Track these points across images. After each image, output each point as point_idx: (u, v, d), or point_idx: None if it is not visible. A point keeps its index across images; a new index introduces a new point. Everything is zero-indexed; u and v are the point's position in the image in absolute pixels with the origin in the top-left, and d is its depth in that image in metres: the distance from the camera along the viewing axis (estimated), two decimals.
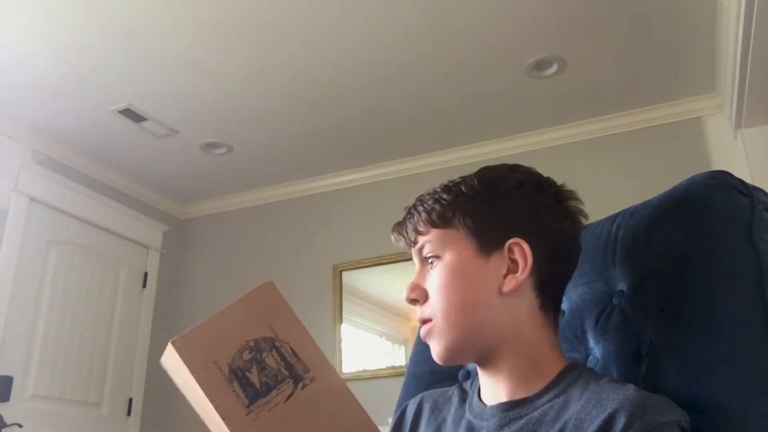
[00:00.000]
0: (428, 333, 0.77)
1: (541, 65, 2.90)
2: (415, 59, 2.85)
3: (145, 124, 3.26)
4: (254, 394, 0.64)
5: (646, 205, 0.84)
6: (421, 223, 0.79)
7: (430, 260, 0.78)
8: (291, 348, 0.68)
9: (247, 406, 0.64)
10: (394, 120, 3.33)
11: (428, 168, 3.64)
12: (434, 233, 0.77)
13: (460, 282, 0.75)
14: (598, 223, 0.90)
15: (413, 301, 0.79)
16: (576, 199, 0.79)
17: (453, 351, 0.76)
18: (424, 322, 0.77)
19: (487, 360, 0.76)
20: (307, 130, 3.39)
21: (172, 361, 0.67)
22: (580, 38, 2.73)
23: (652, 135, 3.29)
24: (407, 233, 0.80)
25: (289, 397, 0.66)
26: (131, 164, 3.69)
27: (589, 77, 3.01)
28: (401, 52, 2.79)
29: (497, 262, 0.75)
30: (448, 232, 0.77)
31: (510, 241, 0.75)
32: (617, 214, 0.89)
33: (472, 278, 0.75)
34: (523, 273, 0.74)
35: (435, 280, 0.76)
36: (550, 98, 3.17)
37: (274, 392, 0.65)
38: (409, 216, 0.81)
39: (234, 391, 0.64)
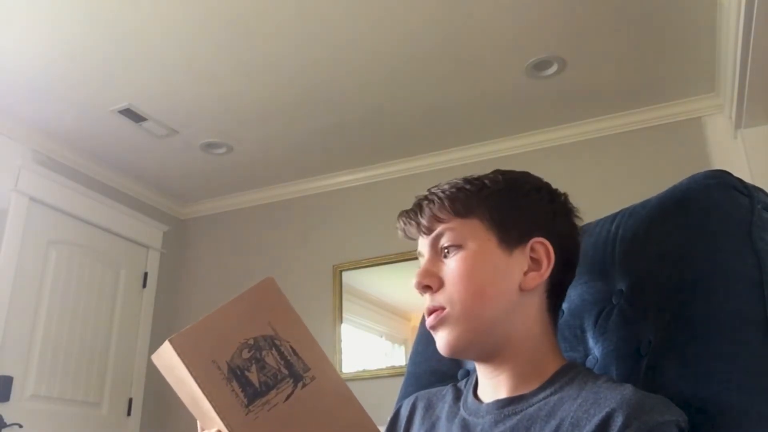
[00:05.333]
0: (440, 321, 0.74)
1: (541, 65, 2.90)
2: (415, 60, 2.84)
3: (145, 124, 3.26)
4: (253, 394, 0.63)
5: (645, 204, 0.84)
6: (443, 211, 0.77)
7: (447, 248, 0.76)
8: (291, 346, 0.67)
9: (246, 406, 0.63)
10: (394, 120, 3.32)
11: (428, 168, 3.64)
12: (456, 222, 0.76)
13: (483, 272, 0.74)
14: (597, 222, 0.90)
15: (426, 288, 0.76)
16: (578, 216, 0.81)
17: (464, 341, 0.74)
18: (434, 311, 0.75)
19: (491, 357, 0.76)
20: (306, 130, 3.39)
21: (166, 358, 0.66)
22: (580, 38, 2.73)
23: (652, 135, 3.29)
24: (421, 219, 0.78)
25: (288, 396, 0.65)
26: (131, 164, 3.69)
27: (589, 77, 3.01)
28: (401, 52, 2.79)
29: (519, 259, 0.75)
30: (469, 222, 0.76)
31: (534, 239, 0.75)
32: (616, 214, 0.88)
33: (494, 270, 0.74)
34: (546, 271, 0.75)
35: (455, 268, 0.75)
36: (550, 98, 3.17)
37: (273, 392, 0.64)
38: (427, 202, 0.78)
39: (233, 390, 0.63)
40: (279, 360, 0.66)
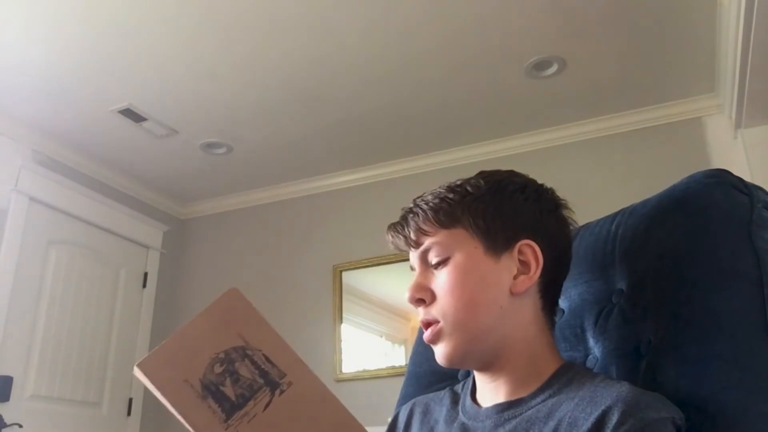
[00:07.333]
0: (436, 335, 0.75)
1: (541, 65, 2.90)
2: (414, 60, 2.84)
3: (145, 124, 3.26)
4: (231, 408, 0.62)
5: (646, 203, 0.84)
6: (427, 223, 0.76)
7: (435, 261, 0.76)
8: (263, 354, 0.66)
9: (225, 421, 0.61)
10: (394, 120, 3.32)
11: (428, 168, 3.64)
12: (441, 234, 0.76)
13: (472, 282, 0.74)
14: (598, 222, 0.90)
15: (419, 302, 0.76)
16: (568, 208, 0.80)
17: (462, 352, 0.74)
18: (429, 324, 0.75)
19: (490, 364, 0.76)
20: (307, 129, 3.39)
21: (142, 380, 0.65)
22: (580, 38, 2.73)
23: (652, 135, 3.29)
24: (408, 233, 0.78)
25: (267, 405, 0.63)
26: (131, 164, 3.69)
27: (589, 77, 3.01)
28: (401, 52, 2.79)
29: (507, 263, 0.74)
30: (455, 232, 0.75)
31: (521, 242, 0.75)
32: (616, 213, 0.88)
33: (483, 278, 0.74)
34: (535, 273, 0.74)
35: (444, 280, 0.75)
36: (550, 98, 3.17)
37: (251, 402, 0.63)
38: (412, 215, 0.78)
39: (209, 407, 0.62)
40: (253, 370, 0.65)
